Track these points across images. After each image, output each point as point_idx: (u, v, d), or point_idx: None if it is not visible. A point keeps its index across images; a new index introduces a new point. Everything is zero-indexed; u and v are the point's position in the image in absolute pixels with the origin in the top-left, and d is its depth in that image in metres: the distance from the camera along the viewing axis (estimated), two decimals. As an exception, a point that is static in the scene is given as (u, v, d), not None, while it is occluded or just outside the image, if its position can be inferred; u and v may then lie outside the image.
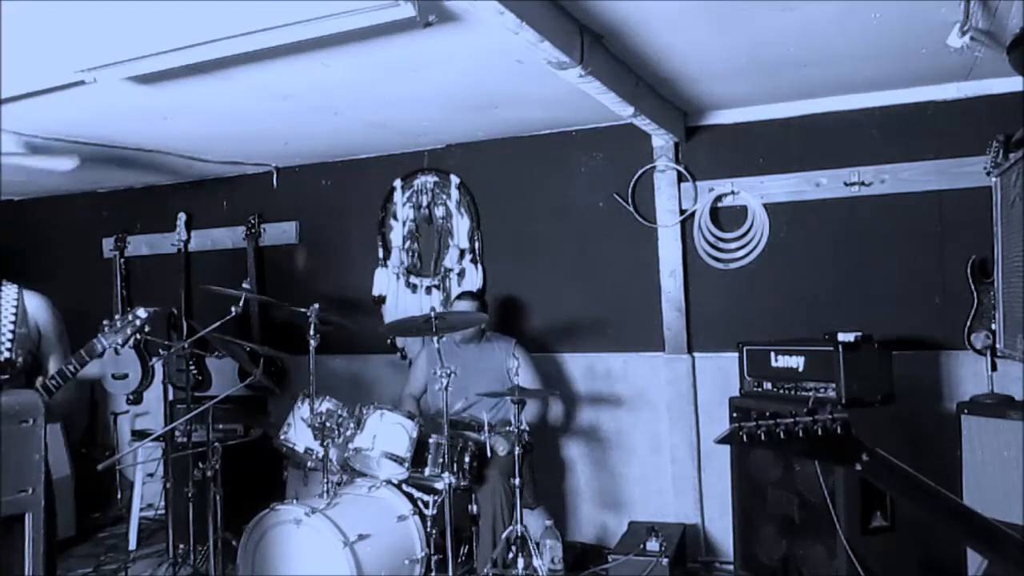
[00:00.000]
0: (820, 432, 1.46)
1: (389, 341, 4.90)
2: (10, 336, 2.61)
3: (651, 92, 3.69)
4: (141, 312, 2.65)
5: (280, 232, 5.24)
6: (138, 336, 2.68)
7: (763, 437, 1.45)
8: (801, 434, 1.46)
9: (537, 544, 3.69)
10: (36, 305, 2.73)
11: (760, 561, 3.55)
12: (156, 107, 3.57)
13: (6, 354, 2.59)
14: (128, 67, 2.77)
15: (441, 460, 3.54)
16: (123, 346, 2.68)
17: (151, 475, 4.86)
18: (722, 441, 1.48)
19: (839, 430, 1.46)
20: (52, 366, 2.68)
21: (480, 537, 3.73)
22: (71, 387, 2.58)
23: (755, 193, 4.14)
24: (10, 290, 2.70)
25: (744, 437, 1.45)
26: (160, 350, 4.22)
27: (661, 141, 4.24)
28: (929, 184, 3.85)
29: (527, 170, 4.63)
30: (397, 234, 4.95)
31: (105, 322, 2.63)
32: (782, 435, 1.46)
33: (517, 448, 3.52)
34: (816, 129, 4.04)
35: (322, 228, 5.18)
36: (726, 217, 4.23)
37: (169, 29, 2.51)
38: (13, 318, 2.64)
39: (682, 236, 4.27)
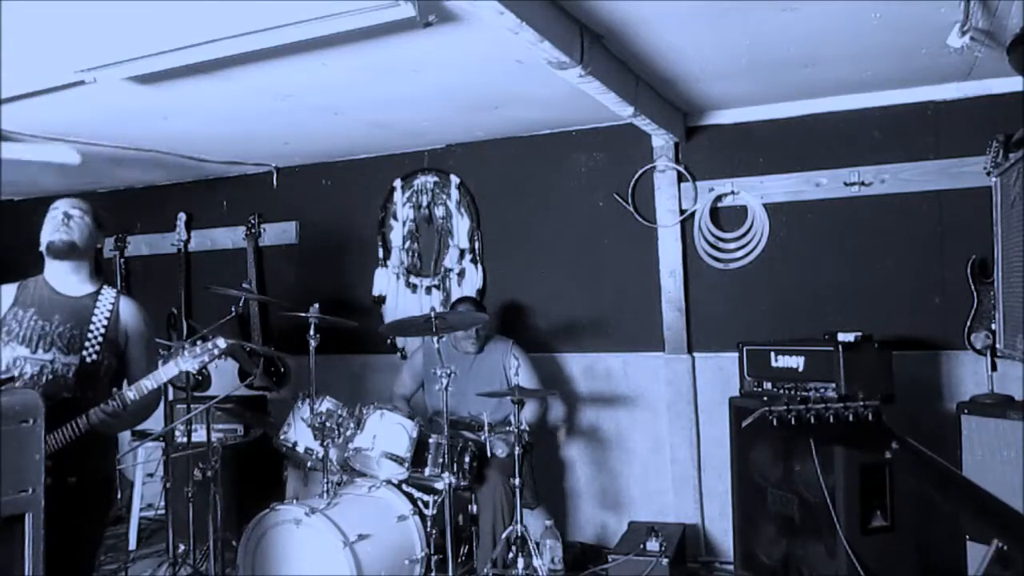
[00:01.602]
0: (851, 418, 1.45)
1: (389, 341, 4.89)
2: (100, 339, 2.64)
3: (651, 92, 3.69)
4: (221, 342, 2.70)
5: (280, 232, 5.24)
6: (215, 364, 2.77)
7: (793, 421, 1.45)
8: (831, 420, 1.45)
9: (537, 544, 3.69)
10: (129, 312, 2.75)
11: (760, 561, 3.55)
12: (156, 107, 3.57)
13: (94, 356, 2.62)
14: (128, 67, 2.78)
15: (441, 460, 3.54)
16: (197, 372, 2.78)
17: (151, 475, 4.86)
18: (750, 424, 1.48)
19: (870, 417, 1.45)
20: (135, 371, 2.71)
21: (480, 537, 3.73)
22: (144, 397, 2.62)
23: (755, 193, 4.14)
24: (108, 294, 2.73)
25: (774, 421, 1.45)
26: (160, 350, 4.22)
27: (661, 141, 4.24)
28: (929, 184, 3.85)
29: (527, 170, 4.63)
30: (397, 234, 4.95)
31: (185, 345, 2.69)
32: (812, 420, 1.45)
33: (517, 448, 3.52)
34: (816, 129, 4.04)
35: (322, 228, 5.18)
36: (726, 217, 4.23)
37: (169, 29, 2.52)
38: (106, 322, 2.67)
39: (682, 236, 4.27)
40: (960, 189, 3.77)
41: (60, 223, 2.65)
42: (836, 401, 1.47)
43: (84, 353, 2.60)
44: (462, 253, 4.78)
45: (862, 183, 3.95)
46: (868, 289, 3.96)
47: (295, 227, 5.22)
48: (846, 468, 3.12)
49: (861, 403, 1.46)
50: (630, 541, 3.82)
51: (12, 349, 2.57)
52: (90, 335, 2.62)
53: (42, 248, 2.69)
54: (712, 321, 4.25)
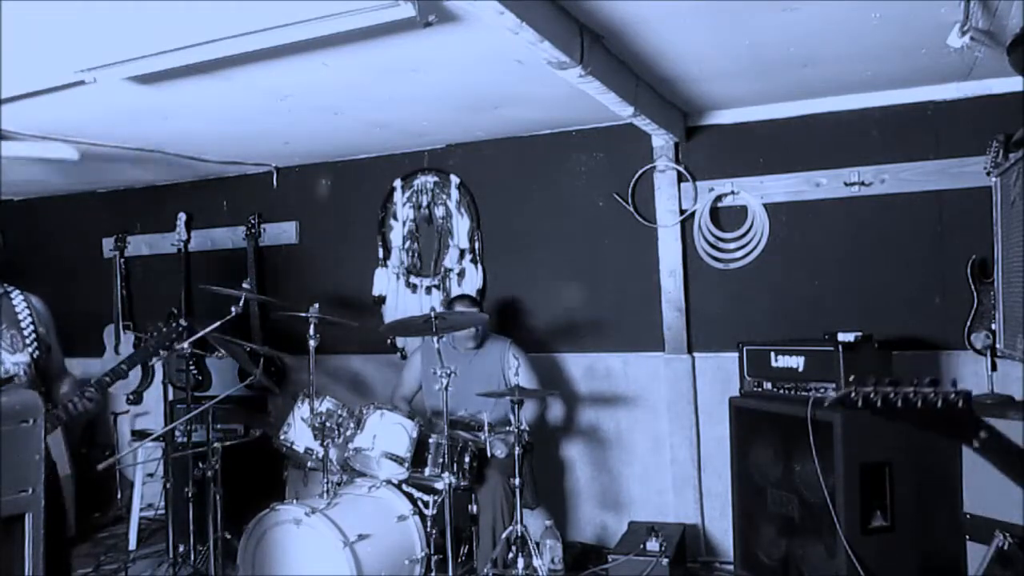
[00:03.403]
0: (940, 404, 1.40)
1: (389, 341, 4.89)
2: (35, 335, 2.67)
3: (651, 92, 3.69)
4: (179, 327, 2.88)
5: (280, 232, 5.24)
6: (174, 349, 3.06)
7: (879, 403, 1.39)
8: (919, 404, 1.39)
9: (537, 544, 3.69)
10: (40, 305, 2.78)
11: (760, 561, 3.55)
12: (156, 107, 3.57)
13: (37, 352, 2.65)
14: (128, 67, 2.77)
15: (441, 460, 3.54)
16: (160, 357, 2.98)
17: (151, 475, 4.86)
18: (834, 404, 1.43)
19: (960, 404, 1.40)
20: (55, 361, 2.77)
21: (480, 537, 3.73)
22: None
23: (755, 193, 4.14)
24: (15, 291, 2.74)
25: (859, 401, 1.39)
26: (160, 350, 4.22)
27: (661, 141, 4.24)
28: (929, 184, 3.85)
29: (527, 170, 4.63)
30: (397, 234, 4.95)
31: (145, 337, 2.84)
32: (899, 403, 1.39)
33: (517, 448, 3.51)
34: (816, 129, 4.04)
35: (322, 228, 5.18)
36: (726, 217, 4.23)
37: (169, 29, 2.51)
38: (31, 318, 2.69)
39: (682, 236, 4.27)
40: (960, 189, 3.77)
41: None
42: (926, 385, 1.41)
43: (29, 350, 2.63)
44: (462, 253, 4.78)
45: (862, 183, 3.95)
46: (868, 289, 3.96)
47: (295, 227, 5.22)
48: (846, 468, 3.12)
49: (953, 389, 1.41)
50: (630, 541, 3.82)
51: None
52: (25, 332, 2.65)
53: None
54: (712, 321, 4.25)
